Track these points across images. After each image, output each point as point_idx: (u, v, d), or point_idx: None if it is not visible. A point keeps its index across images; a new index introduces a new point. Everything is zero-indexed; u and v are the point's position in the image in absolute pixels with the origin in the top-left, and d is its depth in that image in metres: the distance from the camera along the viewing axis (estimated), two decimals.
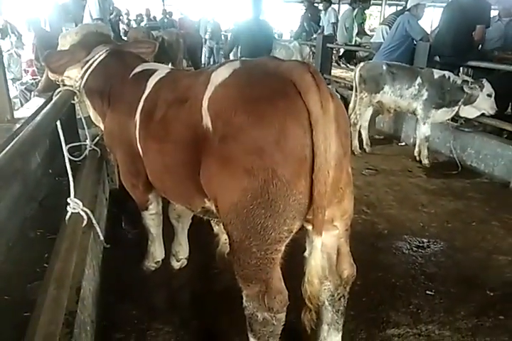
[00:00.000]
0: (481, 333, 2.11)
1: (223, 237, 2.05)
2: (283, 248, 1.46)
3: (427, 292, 2.42)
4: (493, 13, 5.32)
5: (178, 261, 2.57)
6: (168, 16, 13.65)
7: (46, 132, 1.42)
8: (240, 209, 1.37)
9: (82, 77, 2.22)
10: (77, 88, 2.23)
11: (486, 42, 5.11)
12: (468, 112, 4.38)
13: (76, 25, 7.26)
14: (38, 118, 1.44)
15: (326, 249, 1.64)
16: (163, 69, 2.02)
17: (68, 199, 1.91)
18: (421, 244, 2.93)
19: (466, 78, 4.31)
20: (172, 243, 2.57)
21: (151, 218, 2.39)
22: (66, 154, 1.94)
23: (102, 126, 2.34)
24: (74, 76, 2.27)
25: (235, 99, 1.38)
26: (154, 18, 13.66)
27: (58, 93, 2.08)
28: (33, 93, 4.71)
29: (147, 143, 1.84)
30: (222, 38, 12.79)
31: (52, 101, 1.83)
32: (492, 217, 3.39)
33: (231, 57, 5.96)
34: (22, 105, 4.70)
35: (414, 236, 3.03)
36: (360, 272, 2.55)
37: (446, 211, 3.48)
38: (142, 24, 12.42)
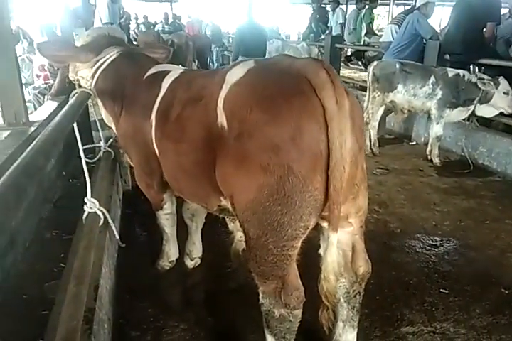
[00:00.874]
0: (496, 331, 2.10)
1: (238, 235, 2.06)
2: (299, 244, 1.47)
3: (441, 290, 2.41)
4: (504, 10, 5.28)
5: (192, 260, 2.59)
6: (177, 21, 13.81)
7: (65, 132, 1.45)
8: (257, 206, 1.38)
9: (92, 77, 2.26)
10: (89, 88, 2.28)
11: (496, 40, 5.08)
12: (485, 111, 4.34)
13: (86, 30, 7.36)
14: (57, 118, 1.48)
15: (341, 246, 1.65)
16: (176, 70, 2.04)
17: (85, 199, 1.95)
18: (434, 243, 2.92)
19: (482, 76, 4.27)
20: (186, 242, 2.60)
21: (166, 218, 2.40)
22: (82, 155, 1.97)
23: (113, 127, 2.38)
24: (85, 75, 2.33)
25: (249, 97, 1.39)
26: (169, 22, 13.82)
27: (74, 94, 2.12)
28: (46, 97, 4.78)
29: (163, 143, 1.86)
30: (225, 40, 12.85)
31: (70, 102, 1.87)
32: (505, 215, 3.36)
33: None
34: (35, 109, 4.78)
35: (427, 235, 3.02)
36: (374, 271, 2.56)
37: (458, 209, 3.46)
38: (159, 28, 12.56)
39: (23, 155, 1.06)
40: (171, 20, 14.05)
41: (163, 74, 2.02)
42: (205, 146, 1.55)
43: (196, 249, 2.60)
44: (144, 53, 2.45)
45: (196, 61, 9.14)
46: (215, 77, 1.62)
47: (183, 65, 7.74)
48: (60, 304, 1.47)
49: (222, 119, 1.45)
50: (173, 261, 2.56)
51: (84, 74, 2.34)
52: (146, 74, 2.11)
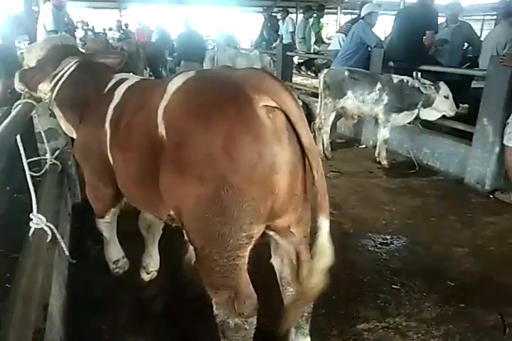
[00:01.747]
0: (444, 322, 2.22)
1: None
2: (246, 253, 1.46)
3: (393, 286, 2.52)
4: (441, 19, 5.63)
5: (148, 273, 2.54)
6: (126, 28, 13.57)
7: (7, 145, 1.39)
8: (197, 217, 1.39)
9: (52, 90, 2.19)
10: (47, 100, 2.22)
11: (436, 48, 5.41)
12: (429, 114, 4.59)
13: (29, 38, 7.06)
14: None
15: (288, 255, 1.69)
16: (132, 79, 2.04)
17: (31, 215, 1.87)
18: (385, 241, 3.05)
19: (424, 81, 4.52)
20: (143, 255, 2.55)
21: (105, 225, 2.43)
22: (27, 169, 1.90)
23: (75, 137, 2.32)
24: (43, 89, 2.23)
25: (184, 106, 1.40)
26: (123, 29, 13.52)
27: (17, 106, 2.03)
28: None
29: (115, 152, 1.85)
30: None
31: (12, 113, 1.80)
32: (449, 211, 3.57)
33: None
34: None
35: (378, 234, 3.15)
36: (329, 270, 2.65)
37: (406, 208, 3.64)
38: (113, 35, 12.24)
39: None
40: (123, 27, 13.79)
41: (119, 83, 2.02)
42: (150, 155, 1.54)
43: (153, 261, 2.55)
44: (101, 62, 2.39)
45: (148, 69, 9.01)
46: (158, 86, 1.61)
47: (134, 73, 7.59)
48: (7, 326, 1.39)
49: (161, 129, 1.44)
50: (117, 260, 2.54)
51: (42, 88, 2.25)
52: (108, 86, 2.08)
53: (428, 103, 4.51)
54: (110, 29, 14.54)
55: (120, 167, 1.86)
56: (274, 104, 1.33)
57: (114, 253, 2.54)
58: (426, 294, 2.45)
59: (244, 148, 1.29)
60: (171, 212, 1.68)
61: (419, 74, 4.56)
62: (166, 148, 1.42)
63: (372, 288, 2.51)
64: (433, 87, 4.44)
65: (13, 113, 1.86)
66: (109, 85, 2.08)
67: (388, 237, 3.10)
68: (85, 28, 14.27)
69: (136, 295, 2.43)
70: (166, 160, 1.43)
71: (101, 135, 1.93)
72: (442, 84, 4.46)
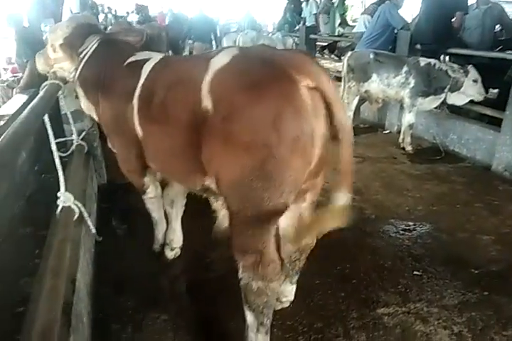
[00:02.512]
0: (467, 309, 2.20)
1: (221, 213, 2.11)
2: (278, 220, 1.58)
3: (415, 272, 2.49)
4: (471, 1, 5.40)
5: (172, 250, 2.60)
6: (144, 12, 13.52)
7: (35, 125, 1.42)
8: (240, 183, 1.49)
9: (76, 68, 2.24)
10: (71, 79, 2.26)
11: (464, 31, 5.20)
12: (456, 99, 4.43)
13: (55, 21, 7.13)
14: (26, 112, 1.44)
15: (293, 218, 1.79)
16: (156, 56, 2.07)
17: (59, 193, 1.91)
18: (407, 227, 3.01)
19: (452, 64, 4.37)
20: (166, 231, 2.61)
21: (151, 202, 2.46)
22: (55, 149, 1.93)
23: (94, 116, 2.36)
24: (68, 68, 2.29)
25: (235, 83, 1.47)
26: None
27: (44, 87, 2.07)
28: (14, 90, 4.63)
29: (148, 126, 1.90)
30: None
31: (39, 95, 1.83)
32: (475, 199, 3.48)
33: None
34: (4, 102, 4.63)
35: (400, 220, 3.11)
36: (350, 255, 2.66)
37: (431, 195, 3.57)
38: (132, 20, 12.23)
39: None
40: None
41: (144, 60, 2.05)
42: (189, 128, 1.61)
43: (177, 237, 2.61)
44: (123, 40, 2.41)
45: (170, 52, 9.00)
46: (198, 63, 1.67)
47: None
48: (37, 298, 1.45)
49: (207, 103, 1.50)
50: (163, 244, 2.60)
51: (66, 67, 2.31)
52: (127, 61, 2.12)
53: (456, 87, 4.36)
54: (131, 12, 14.50)
55: (153, 140, 1.92)
56: (312, 85, 1.42)
57: (162, 237, 2.60)
58: (448, 281, 2.42)
59: (289, 122, 1.40)
60: (205, 182, 1.76)
61: (446, 57, 4.41)
62: (211, 121, 1.49)
63: (393, 273, 2.49)
64: (461, 71, 4.29)
65: (40, 94, 1.89)
66: (128, 62, 2.12)
67: (411, 223, 3.06)
68: (106, 11, 14.29)
69: (159, 273, 2.50)
70: (211, 132, 1.51)
71: (127, 110, 1.98)
72: (471, 68, 4.29)
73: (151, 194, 2.42)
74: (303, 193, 1.70)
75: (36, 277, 1.71)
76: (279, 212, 1.54)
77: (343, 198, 1.52)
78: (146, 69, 1.98)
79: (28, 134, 1.26)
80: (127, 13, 15.00)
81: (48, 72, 2.46)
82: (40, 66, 2.51)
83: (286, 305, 2.16)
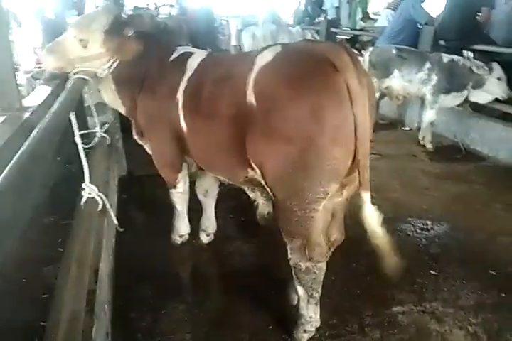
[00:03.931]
0: (483, 310, 2.19)
1: (260, 201, 2.17)
2: (321, 207, 1.66)
3: (431, 272, 2.49)
4: None
5: (207, 235, 2.73)
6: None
7: (66, 119, 1.47)
8: (282, 174, 1.59)
9: (111, 64, 2.14)
10: (103, 75, 2.15)
11: (491, 26, 5.07)
12: (479, 97, 4.37)
13: (78, 13, 7.20)
14: (56, 105, 1.48)
15: (325, 212, 1.80)
16: (201, 52, 2.12)
17: (83, 185, 1.96)
18: (425, 226, 3.00)
19: (476, 62, 4.28)
20: (200, 219, 2.70)
21: (178, 196, 2.51)
22: (79, 141, 1.98)
23: (122, 110, 2.39)
24: (99, 64, 2.13)
25: (278, 77, 1.55)
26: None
27: (71, 80, 2.10)
28: (38, 81, 4.72)
29: (194, 120, 1.95)
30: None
31: (68, 88, 1.87)
32: (495, 199, 3.43)
33: None
34: (28, 93, 4.73)
35: (418, 219, 3.09)
36: (365, 253, 2.65)
37: (449, 194, 3.53)
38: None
39: (27, 142, 1.07)
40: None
41: (187, 55, 2.08)
42: (234, 122, 1.69)
43: (211, 224, 2.72)
44: (157, 34, 2.42)
45: (190, 45, 9.02)
46: (244, 59, 1.75)
47: None
48: (62, 286, 1.50)
49: (251, 98, 1.59)
50: (183, 235, 2.68)
51: (98, 63, 2.13)
52: (172, 57, 2.13)
53: (479, 84, 4.28)
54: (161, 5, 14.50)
55: (198, 135, 1.97)
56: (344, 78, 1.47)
57: (183, 227, 2.66)
58: (465, 281, 2.41)
59: (330, 113, 1.47)
60: (249, 174, 1.84)
61: (470, 53, 4.32)
62: (255, 115, 1.58)
63: (409, 272, 2.47)
64: (486, 68, 4.20)
65: (69, 87, 1.93)
66: (173, 57, 2.13)
67: (429, 223, 3.04)
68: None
69: (177, 266, 2.55)
70: (255, 126, 1.60)
71: (171, 104, 2.01)
72: (496, 65, 4.20)
73: (181, 189, 2.46)
74: (340, 188, 1.74)
75: (61, 265, 1.76)
76: (320, 200, 1.62)
77: (367, 197, 1.63)
78: (191, 64, 2.01)
79: (60, 127, 1.30)
80: (148, 4, 14.98)
81: (65, 70, 2.25)
82: (53, 64, 2.27)
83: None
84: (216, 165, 2.10)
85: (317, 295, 1.85)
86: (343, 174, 1.61)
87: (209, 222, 2.72)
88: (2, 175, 0.91)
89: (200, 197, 2.65)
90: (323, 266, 1.78)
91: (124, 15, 2.33)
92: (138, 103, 2.21)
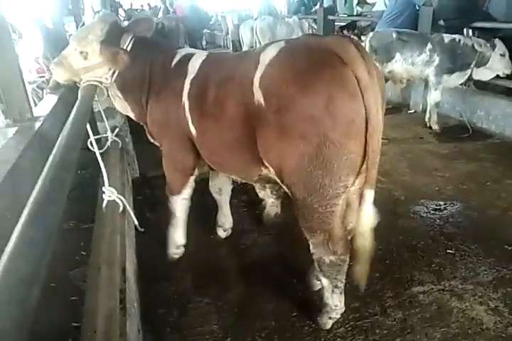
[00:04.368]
0: (502, 285, 2.23)
1: (269, 201, 2.21)
2: (340, 202, 1.66)
3: (448, 251, 2.53)
4: None
5: (224, 230, 2.79)
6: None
7: (84, 125, 1.52)
8: (300, 172, 1.56)
9: (114, 72, 2.14)
10: (107, 83, 2.16)
11: (490, 2, 5.02)
12: (482, 74, 4.36)
13: (75, 19, 7.24)
14: (74, 113, 1.53)
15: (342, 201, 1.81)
16: (201, 53, 2.08)
17: (103, 188, 2.03)
18: (438, 207, 3.03)
19: (477, 39, 4.27)
20: (217, 215, 2.77)
21: (182, 203, 2.43)
22: (96, 146, 2.04)
23: (132, 116, 2.38)
24: (102, 73, 2.14)
25: (284, 74, 1.52)
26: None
27: (82, 88, 2.13)
28: (44, 91, 4.79)
29: (202, 123, 1.93)
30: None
31: (81, 96, 1.91)
32: (505, 176, 3.46)
33: None
34: (35, 104, 4.81)
35: (430, 200, 3.13)
36: (382, 236, 2.68)
37: (460, 173, 3.55)
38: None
39: (54, 151, 1.13)
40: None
41: (188, 58, 2.05)
42: (243, 122, 1.68)
43: (227, 220, 2.78)
44: (156, 38, 2.39)
45: (188, 43, 9.05)
46: (247, 58, 1.73)
47: None
48: (94, 287, 1.58)
49: (258, 97, 1.58)
50: (180, 246, 2.58)
51: (100, 72, 2.16)
52: (174, 61, 2.09)
53: (482, 62, 4.26)
54: (144, 6, 14.58)
55: (208, 136, 1.95)
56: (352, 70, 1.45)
57: (180, 237, 2.56)
58: (482, 258, 2.45)
59: (343, 106, 1.44)
60: (263, 172, 1.84)
61: (470, 31, 4.29)
62: (265, 113, 1.56)
63: (426, 252, 2.53)
64: (488, 45, 4.18)
65: (81, 97, 1.95)
66: (176, 60, 2.09)
67: (441, 203, 3.07)
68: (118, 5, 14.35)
69: (196, 260, 2.61)
70: (265, 124, 1.58)
71: (178, 108, 1.99)
72: (498, 41, 4.18)
73: (186, 195, 2.40)
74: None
75: (90, 267, 1.84)
76: (340, 195, 1.62)
77: (369, 196, 1.60)
78: (193, 66, 1.98)
79: (81, 134, 1.36)
80: (142, 6, 15.05)
81: (74, 82, 2.31)
82: (61, 77, 2.31)
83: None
84: (229, 166, 2.10)
85: (341, 285, 1.87)
86: (360, 166, 1.60)
87: (225, 218, 2.77)
88: (38, 186, 0.97)
89: (215, 195, 2.69)
90: (346, 258, 1.78)
91: (120, 23, 2.33)
92: (147, 109, 2.19)
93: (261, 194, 2.16)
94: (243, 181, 2.22)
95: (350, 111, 1.45)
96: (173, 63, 2.09)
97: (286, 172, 1.63)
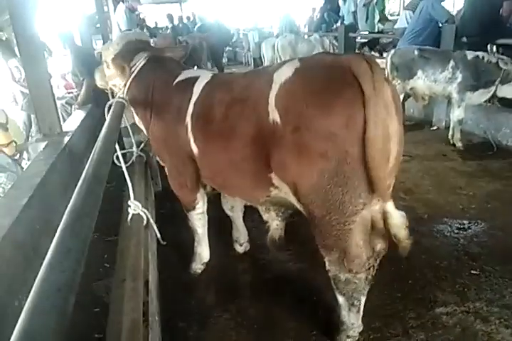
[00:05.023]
0: None
1: (274, 223, 2.19)
2: (358, 219, 1.64)
3: (472, 271, 2.47)
4: None
5: (241, 245, 2.79)
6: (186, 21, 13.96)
7: (114, 141, 1.58)
8: (320, 190, 1.55)
9: (125, 85, 2.32)
10: (122, 96, 2.32)
11: None
12: (507, 91, 4.31)
13: (103, 37, 7.55)
14: (104, 130, 1.60)
15: (363, 221, 1.77)
16: (206, 74, 2.13)
17: (129, 202, 2.09)
18: (462, 226, 2.97)
19: (501, 56, 4.25)
20: (232, 231, 2.78)
21: (198, 218, 2.49)
22: (122, 161, 2.10)
23: (144, 130, 2.48)
24: (119, 84, 2.39)
25: (302, 93, 1.52)
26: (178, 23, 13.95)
27: (110, 105, 2.22)
28: (73, 106, 4.97)
29: (207, 143, 1.94)
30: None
31: (112, 113, 1.98)
32: None
33: None
34: (64, 119, 4.99)
35: (454, 219, 3.07)
36: (404, 257, 2.65)
37: (485, 192, 3.49)
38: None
39: (87, 165, 1.18)
40: (184, 20, 14.14)
41: (194, 79, 2.10)
42: (256, 142, 1.67)
43: (242, 234, 2.78)
44: (169, 57, 2.49)
45: (211, 60, 9.26)
46: (260, 77, 1.73)
47: (198, 66, 7.88)
48: (119, 299, 1.61)
49: (274, 116, 1.58)
50: (205, 263, 2.64)
51: (117, 83, 2.42)
52: (176, 80, 2.18)
53: (507, 79, 4.23)
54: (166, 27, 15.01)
55: (215, 157, 1.94)
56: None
57: (205, 254, 2.62)
58: (508, 280, 2.38)
59: (362, 123, 1.43)
60: (272, 193, 1.84)
61: (494, 48, 4.27)
62: (282, 133, 1.56)
63: (449, 273, 2.48)
64: None
65: (111, 113, 2.03)
66: (177, 81, 2.17)
67: (466, 222, 3.02)
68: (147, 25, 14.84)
69: (217, 275, 2.63)
70: (282, 143, 1.57)
71: (181, 129, 2.04)
72: None
73: (200, 209, 2.44)
74: (376, 196, 1.70)
75: (115, 279, 1.88)
76: (359, 212, 1.60)
77: (390, 206, 1.63)
78: (198, 87, 2.02)
79: (111, 149, 1.42)
80: (156, 23, 15.41)
81: (106, 87, 2.62)
82: (98, 81, 2.71)
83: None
84: (234, 187, 2.08)
85: (358, 303, 1.84)
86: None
87: (239, 233, 2.77)
88: (73, 198, 1.02)
89: (227, 211, 2.69)
90: (363, 275, 1.76)
91: (142, 40, 2.50)
92: (150, 126, 2.28)
93: (265, 216, 2.14)
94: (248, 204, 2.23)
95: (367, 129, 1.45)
96: (175, 82, 2.16)
97: (304, 191, 1.61)
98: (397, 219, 1.68)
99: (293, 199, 1.74)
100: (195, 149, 2.03)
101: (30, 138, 4.97)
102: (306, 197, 1.62)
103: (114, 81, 2.47)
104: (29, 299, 0.67)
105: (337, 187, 1.52)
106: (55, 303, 0.66)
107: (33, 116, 5.06)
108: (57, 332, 0.61)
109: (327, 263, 1.77)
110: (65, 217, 0.97)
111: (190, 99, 2.02)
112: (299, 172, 1.58)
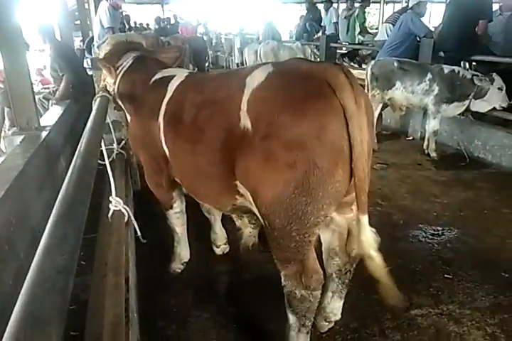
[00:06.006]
0: (499, 311, 2.24)
1: (247, 231, 2.17)
2: (318, 231, 1.61)
3: (446, 276, 2.55)
4: (495, 7, 5.43)
5: (217, 247, 2.79)
6: (166, 22, 13.95)
7: (101, 134, 1.56)
8: (283, 199, 1.48)
9: (114, 83, 2.38)
10: (113, 92, 2.40)
11: (487, 37, 5.23)
12: (480, 106, 4.48)
13: (82, 34, 7.41)
14: (90, 123, 1.58)
15: (340, 229, 1.83)
16: (181, 74, 2.09)
17: (110, 198, 2.05)
18: (436, 232, 3.07)
19: (475, 73, 4.43)
20: (210, 232, 2.78)
21: (176, 217, 2.47)
22: (106, 155, 2.07)
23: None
24: (110, 82, 2.45)
25: (276, 101, 1.46)
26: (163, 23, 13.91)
27: (96, 100, 2.21)
28: (50, 101, 4.85)
29: (176, 144, 1.91)
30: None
31: (96, 107, 1.97)
32: (502, 204, 3.52)
33: None
34: (41, 114, 4.85)
35: (429, 225, 3.17)
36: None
37: (457, 201, 3.62)
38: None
39: (75, 156, 1.17)
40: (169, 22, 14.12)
41: (169, 77, 2.07)
42: (224, 146, 1.60)
43: (219, 237, 2.78)
44: (155, 57, 2.49)
45: (193, 63, 9.23)
46: (232, 80, 1.66)
47: (180, 67, 7.84)
48: (100, 295, 1.57)
49: (245, 122, 1.50)
50: (185, 262, 2.64)
51: (109, 81, 2.48)
52: (153, 79, 2.18)
53: (480, 94, 4.41)
54: (148, 26, 14.98)
55: (183, 159, 1.90)
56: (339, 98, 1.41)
57: (185, 253, 2.63)
58: (479, 284, 2.47)
59: (334, 135, 1.41)
60: (237, 201, 1.78)
61: (467, 64, 4.45)
62: (251, 139, 1.49)
63: (424, 277, 2.55)
64: (487, 79, 4.33)
65: (97, 106, 2.02)
66: (153, 79, 2.17)
67: (439, 228, 3.11)
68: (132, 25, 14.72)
69: (196, 275, 2.61)
70: (250, 150, 1.50)
71: (153, 129, 2.02)
72: (496, 76, 4.34)
73: (178, 208, 2.43)
74: (350, 205, 1.72)
75: (95, 275, 1.83)
76: (319, 223, 1.56)
77: (364, 221, 1.55)
78: (172, 86, 1.99)
79: (99, 142, 1.40)
80: (147, 24, 15.40)
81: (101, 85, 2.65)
82: (97, 79, 2.83)
83: (332, 324, 2.09)
84: (201, 193, 2.05)
85: (309, 324, 1.77)
86: (343, 196, 1.56)
87: (216, 235, 2.77)
88: (64, 187, 1.01)
89: (205, 213, 2.70)
90: (318, 294, 1.70)
91: (133, 41, 2.57)
92: (129, 123, 2.33)
93: (238, 223, 2.14)
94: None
95: (340, 140, 1.41)
96: (152, 81, 2.18)
97: (267, 199, 1.53)
98: (368, 234, 1.59)
99: (254, 209, 1.67)
100: (166, 150, 2.01)
101: (3, 132, 4.81)
102: (269, 206, 1.54)
103: (107, 79, 2.53)
104: (28, 281, 0.65)
105: (301, 197, 1.45)
106: (55, 284, 0.65)
107: (6, 109, 4.89)
108: (59, 312, 0.60)
109: (283, 279, 1.69)
110: (57, 204, 0.95)
111: (163, 98, 1.99)
112: (263, 181, 1.51)
